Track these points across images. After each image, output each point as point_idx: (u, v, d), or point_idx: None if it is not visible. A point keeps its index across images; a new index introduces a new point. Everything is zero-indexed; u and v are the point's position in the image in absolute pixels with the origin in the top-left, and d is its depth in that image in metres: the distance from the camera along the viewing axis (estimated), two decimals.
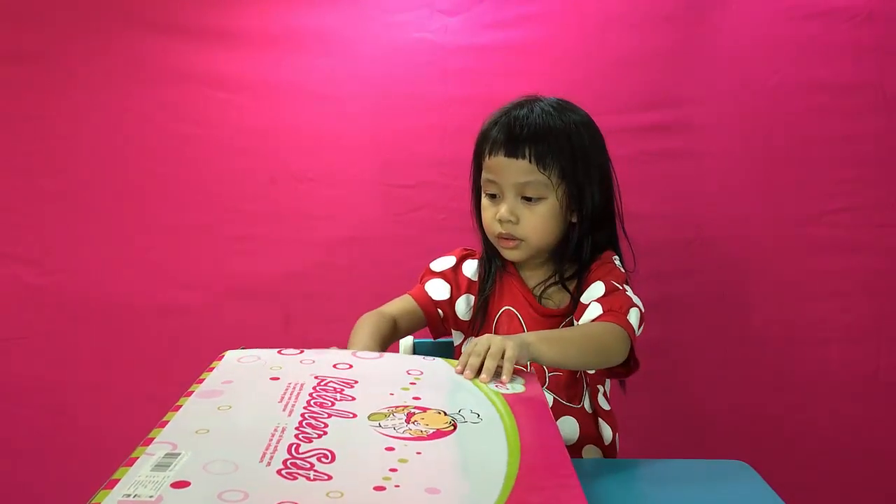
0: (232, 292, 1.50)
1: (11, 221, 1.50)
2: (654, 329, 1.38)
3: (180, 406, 0.72)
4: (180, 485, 0.58)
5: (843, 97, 1.40)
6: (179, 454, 0.63)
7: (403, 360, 0.89)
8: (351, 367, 0.84)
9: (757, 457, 0.98)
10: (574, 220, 1.09)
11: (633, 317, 1.00)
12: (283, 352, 0.88)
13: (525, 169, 1.04)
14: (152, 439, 0.65)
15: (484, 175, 1.09)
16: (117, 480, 0.58)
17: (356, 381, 0.80)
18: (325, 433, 0.67)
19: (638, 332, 1.02)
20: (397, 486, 0.59)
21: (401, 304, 1.12)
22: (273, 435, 0.66)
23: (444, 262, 1.16)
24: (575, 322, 1.04)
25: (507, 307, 1.11)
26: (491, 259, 1.14)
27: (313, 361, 0.85)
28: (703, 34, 1.41)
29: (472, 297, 1.14)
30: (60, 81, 1.48)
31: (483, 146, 1.09)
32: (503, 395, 0.78)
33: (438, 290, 1.14)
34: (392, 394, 0.77)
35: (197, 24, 1.47)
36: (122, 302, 1.50)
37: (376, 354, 0.90)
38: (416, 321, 1.12)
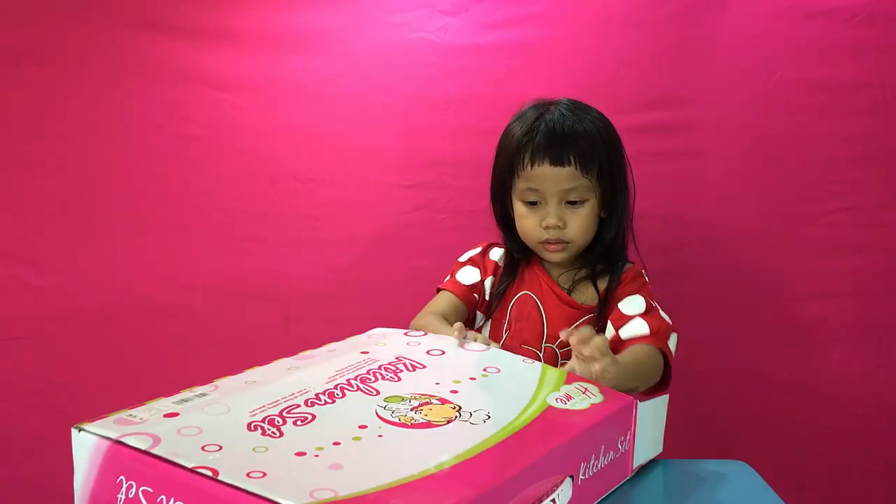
0: (232, 292, 1.49)
1: (11, 221, 1.50)
2: None
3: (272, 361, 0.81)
4: (171, 415, 0.66)
5: (843, 97, 1.40)
6: (208, 395, 0.71)
7: (496, 357, 0.88)
8: (443, 353, 0.87)
9: (757, 457, 0.98)
10: (603, 215, 1.12)
11: (672, 342, 1.04)
12: (408, 333, 0.93)
13: (571, 175, 1.06)
14: (214, 380, 0.75)
15: (523, 184, 1.09)
16: (142, 403, 0.68)
17: (424, 366, 0.82)
18: (332, 402, 0.71)
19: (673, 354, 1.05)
20: (316, 456, 0.60)
21: (443, 302, 1.13)
22: (292, 396, 0.71)
23: (470, 253, 1.19)
24: (613, 327, 1.06)
25: (525, 292, 1.13)
26: (512, 252, 1.16)
27: (419, 344, 0.89)
28: (703, 34, 1.41)
29: (494, 280, 1.16)
30: (60, 81, 1.48)
31: (520, 154, 1.09)
32: (553, 406, 0.75)
33: (469, 275, 1.16)
34: (438, 383, 0.77)
35: (197, 24, 1.46)
36: (122, 302, 1.50)
37: (484, 347, 0.90)
38: (460, 315, 1.14)
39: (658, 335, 1.03)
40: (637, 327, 1.04)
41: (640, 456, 0.83)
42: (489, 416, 0.71)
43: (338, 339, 0.96)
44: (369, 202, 1.48)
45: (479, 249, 1.19)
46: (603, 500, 0.77)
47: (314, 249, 1.49)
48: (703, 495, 0.83)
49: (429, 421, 0.69)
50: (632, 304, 1.07)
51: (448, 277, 1.18)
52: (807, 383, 1.45)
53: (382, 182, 1.47)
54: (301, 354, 0.85)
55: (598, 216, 1.11)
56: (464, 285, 1.15)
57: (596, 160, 1.07)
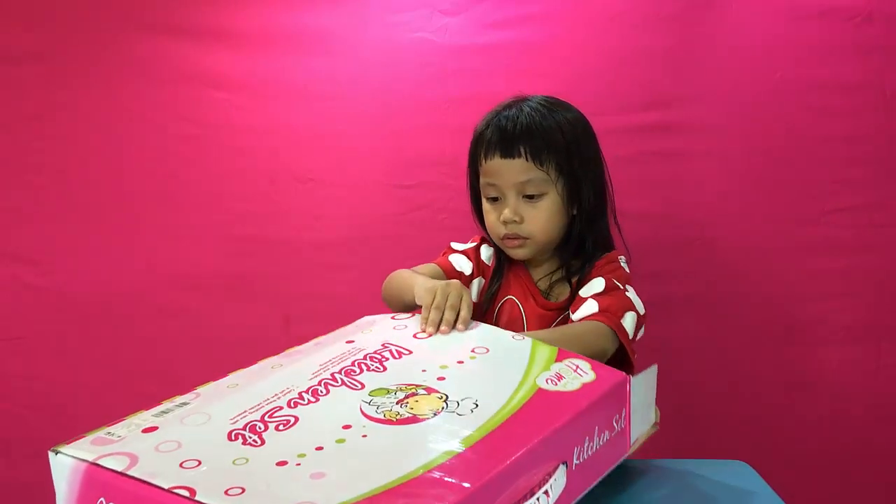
0: (232, 292, 1.50)
1: (11, 221, 1.50)
2: (653, 329, 1.38)
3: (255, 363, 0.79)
4: (150, 430, 0.64)
5: (843, 97, 1.40)
6: (189, 403, 0.69)
7: (485, 335, 0.86)
8: (430, 335, 0.86)
9: (757, 457, 0.98)
10: (575, 212, 1.11)
11: (629, 320, 1.00)
12: (395, 317, 0.92)
13: (522, 167, 1.05)
14: (196, 387, 0.73)
15: (483, 179, 1.10)
16: (122, 419, 0.66)
17: (410, 352, 0.80)
18: (316, 401, 0.69)
19: (636, 336, 1.03)
20: (298, 464, 0.59)
21: (428, 269, 1.13)
22: (275, 397, 0.69)
23: (465, 245, 1.19)
24: (571, 314, 1.04)
25: (510, 297, 1.13)
26: (500, 253, 1.16)
27: (405, 327, 0.88)
28: (703, 34, 1.41)
29: (483, 281, 1.16)
30: (60, 81, 1.48)
31: (478, 150, 1.11)
32: (543, 388, 0.73)
33: (461, 263, 1.16)
34: (424, 370, 0.76)
35: (197, 24, 1.47)
36: (122, 302, 1.50)
37: (474, 323, 0.88)
38: None
39: (607, 312, 0.99)
40: (585, 309, 1.01)
41: (636, 430, 0.80)
42: (477, 405, 0.69)
43: None
44: (369, 202, 1.48)
45: (473, 244, 1.19)
46: (601, 498, 0.77)
47: (314, 249, 1.49)
48: (703, 495, 0.83)
49: (414, 415, 0.67)
50: (590, 288, 1.05)
51: (439, 256, 1.18)
52: (806, 383, 1.45)
53: (382, 182, 1.47)
54: (288, 351, 0.83)
55: (566, 212, 1.09)
56: (454, 268, 1.15)
57: (552, 154, 1.05)
